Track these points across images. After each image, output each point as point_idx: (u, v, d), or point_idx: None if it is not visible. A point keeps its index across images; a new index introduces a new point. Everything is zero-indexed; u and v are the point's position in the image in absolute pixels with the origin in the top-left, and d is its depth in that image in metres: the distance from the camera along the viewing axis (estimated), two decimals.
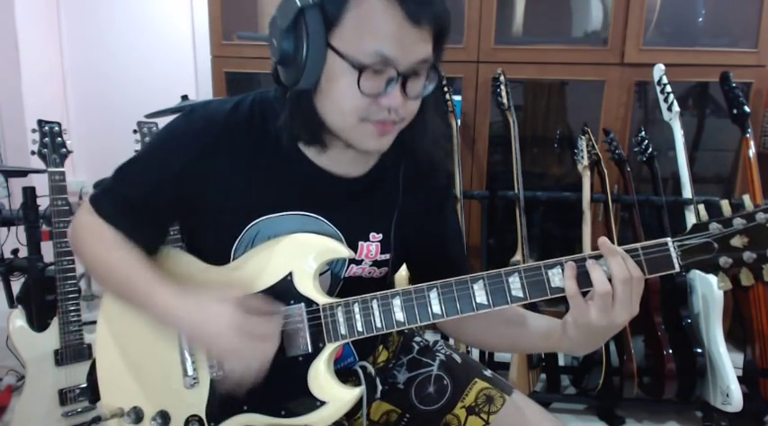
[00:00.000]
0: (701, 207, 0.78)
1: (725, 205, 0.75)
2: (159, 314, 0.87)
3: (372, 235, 0.97)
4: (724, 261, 0.74)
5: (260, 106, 0.93)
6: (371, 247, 0.97)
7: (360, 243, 0.97)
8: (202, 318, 0.83)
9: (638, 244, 0.77)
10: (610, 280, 0.76)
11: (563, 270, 0.79)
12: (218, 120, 0.91)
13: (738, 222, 0.73)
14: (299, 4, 0.76)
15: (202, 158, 0.90)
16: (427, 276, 0.88)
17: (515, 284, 0.81)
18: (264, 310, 0.85)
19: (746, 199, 0.74)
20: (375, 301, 0.86)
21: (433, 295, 0.84)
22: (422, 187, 1.01)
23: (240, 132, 0.91)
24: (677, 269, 0.76)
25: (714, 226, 0.75)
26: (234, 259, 0.94)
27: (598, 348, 0.96)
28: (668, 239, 0.76)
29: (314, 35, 0.77)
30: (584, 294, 0.79)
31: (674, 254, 0.75)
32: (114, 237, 0.92)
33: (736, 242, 0.74)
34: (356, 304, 0.87)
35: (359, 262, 0.98)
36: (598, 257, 0.78)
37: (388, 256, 0.99)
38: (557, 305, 2.47)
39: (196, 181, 0.91)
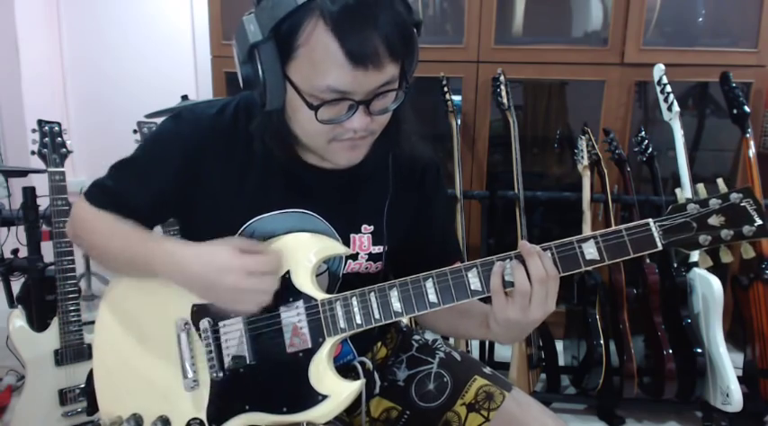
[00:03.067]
0: (679, 190, 0.83)
1: (701, 188, 0.80)
2: (165, 264, 0.88)
3: (364, 227, 0.98)
4: (703, 239, 0.78)
5: (245, 108, 0.94)
6: (363, 239, 0.98)
7: (352, 235, 0.98)
8: (207, 261, 0.85)
9: (621, 226, 0.80)
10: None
11: (552, 253, 0.82)
12: (204, 124, 0.93)
13: (714, 202, 0.78)
14: (250, 40, 0.77)
15: (189, 163, 0.92)
16: (415, 264, 0.90)
17: (508, 270, 0.83)
18: (261, 249, 0.87)
19: (720, 182, 0.79)
20: (373, 293, 0.88)
21: (429, 284, 0.86)
22: (412, 178, 1.02)
23: (226, 135, 0.93)
24: (659, 247, 0.79)
25: (692, 207, 0.79)
26: None
27: (519, 341, 0.97)
28: (650, 220, 0.80)
29: (269, 69, 0.78)
30: None
31: (655, 234, 0.79)
32: (112, 216, 0.94)
33: (714, 221, 0.78)
34: (354, 297, 0.88)
35: (355, 257, 0.98)
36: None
37: (381, 248, 1.00)
38: (556, 304, 2.45)
39: (185, 186, 0.93)
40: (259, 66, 0.78)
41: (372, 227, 0.99)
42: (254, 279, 0.84)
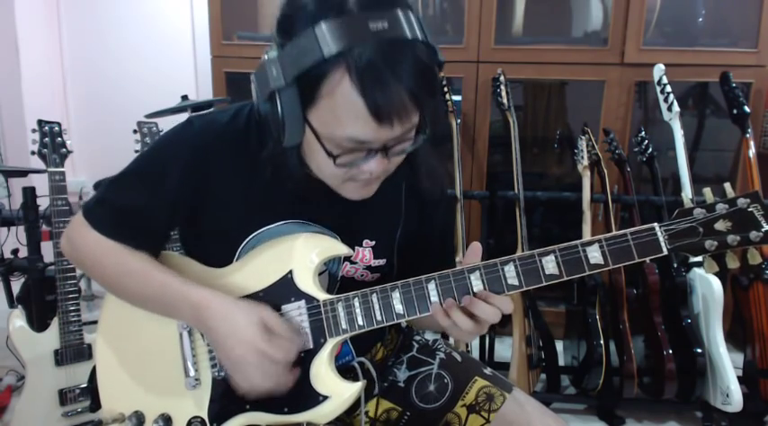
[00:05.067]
0: (685, 195, 0.82)
1: (708, 192, 0.80)
2: (193, 311, 0.87)
3: (365, 242, 0.98)
4: (709, 244, 0.78)
5: (257, 116, 0.93)
6: (366, 252, 0.98)
7: (356, 248, 0.98)
8: (227, 327, 0.84)
9: (627, 230, 0.80)
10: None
11: (556, 257, 0.81)
12: (214, 132, 0.92)
13: (721, 207, 0.78)
14: (271, 85, 0.76)
15: (196, 170, 0.90)
16: (412, 267, 0.90)
17: (511, 273, 0.82)
18: (287, 334, 0.85)
19: (728, 186, 0.79)
20: (375, 295, 0.87)
21: (431, 286, 0.85)
22: (419, 196, 1.01)
23: (235, 144, 0.91)
24: (665, 252, 0.79)
25: (698, 212, 0.79)
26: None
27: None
28: (655, 224, 0.79)
29: (290, 113, 0.77)
30: None
31: (661, 238, 0.78)
32: (119, 248, 0.92)
33: (720, 226, 0.78)
34: (356, 298, 0.88)
35: (353, 262, 0.99)
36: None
37: (382, 262, 1.00)
38: (556, 305, 2.49)
39: (191, 193, 0.91)
40: (279, 109, 0.77)
41: (374, 242, 0.99)
42: (262, 360, 0.83)
